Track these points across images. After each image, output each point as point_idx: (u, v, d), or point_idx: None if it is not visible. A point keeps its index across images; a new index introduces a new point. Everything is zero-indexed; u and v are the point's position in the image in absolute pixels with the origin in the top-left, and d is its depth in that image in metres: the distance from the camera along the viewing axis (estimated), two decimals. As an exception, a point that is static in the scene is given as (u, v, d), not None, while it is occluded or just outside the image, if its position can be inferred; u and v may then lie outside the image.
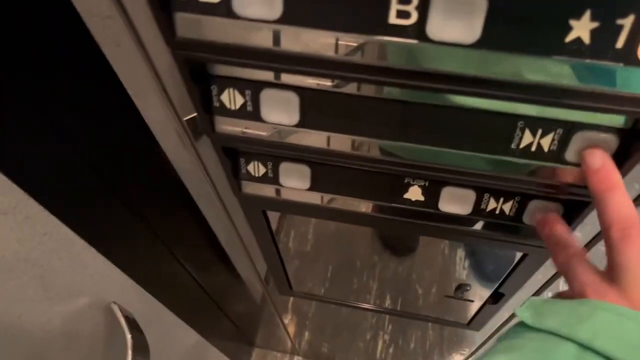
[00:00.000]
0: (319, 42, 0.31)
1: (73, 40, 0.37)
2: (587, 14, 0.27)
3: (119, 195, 0.53)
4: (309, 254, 0.84)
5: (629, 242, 0.30)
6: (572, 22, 0.27)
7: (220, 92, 0.39)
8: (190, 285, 0.82)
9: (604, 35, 0.27)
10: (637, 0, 0.26)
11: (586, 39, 0.28)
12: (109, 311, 0.57)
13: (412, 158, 0.40)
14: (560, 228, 0.40)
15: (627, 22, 0.27)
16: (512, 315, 0.74)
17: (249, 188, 0.50)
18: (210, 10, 0.31)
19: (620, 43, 0.27)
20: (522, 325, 0.32)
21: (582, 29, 0.27)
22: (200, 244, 0.78)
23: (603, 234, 0.32)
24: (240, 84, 0.38)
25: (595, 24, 0.27)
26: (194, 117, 0.43)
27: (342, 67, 0.32)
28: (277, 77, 0.37)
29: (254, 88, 0.38)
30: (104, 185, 0.50)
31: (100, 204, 0.51)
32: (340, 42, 0.31)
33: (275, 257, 0.71)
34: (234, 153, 0.47)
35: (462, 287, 0.72)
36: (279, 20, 0.30)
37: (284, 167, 0.47)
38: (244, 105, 0.39)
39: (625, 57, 0.28)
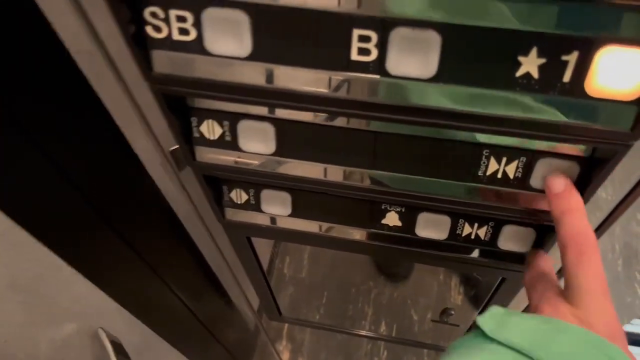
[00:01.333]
0: (287, 77, 0.33)
1: (62, 73, 0.39)
2: (534, 51, 0.28)
3: (108, 222, 0.54)
4: (304, 280, 0.85)
5: (583, 262, 0.31)
6: (521, 59, 0.29)
7: (200, 123, 0.40)
8: (182, 312, 0.82)
9: (551, 70, 0.29)
10: (579, 38, 0.27)
11: (535, 73, 0.29)
12: (96, 337, 0.58)
13: (387, 185, 0.42)
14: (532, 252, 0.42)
15: (572, 57, 0.28)
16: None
17: (233, 215, 0.52)
18: (184, 47, 0.32)
19: (567, 77, 0.29)
20: (479, 335, 0.32)
21: (530, 64, 0.29)
22: (191, 270, 0.79)
23: (560, 255, 0.33)
24: (218, 115, 0.40)
25: (542, 60, 0.29)
26: (176, 148, 0.44)
27: (311, 100, 0.34)
28: (254, 108, 0.39)
29: (232, 119, 0.40)
30: (93, 212, 0.52)
31: (88, 230, 0.53)
32: (307, 77, 0.33)
33: (263, 283, 0.72)
34: (217, 181, 0.48)
35: (446, 312, 0.72)
36: (249, 57, 0.32)
37: (266, 194, 0.48)
38: (222, 136, 0.41)
39: (573, 90, 0.29)
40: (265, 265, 0.72)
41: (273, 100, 0.34)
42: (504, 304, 0.57)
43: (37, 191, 0.44)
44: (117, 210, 0.56)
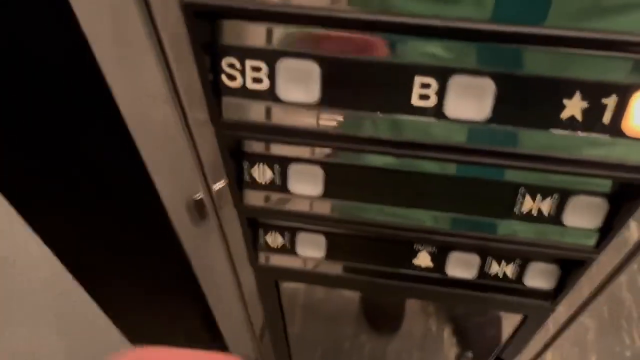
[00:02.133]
0: (350, 121, 0.36)
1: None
2: (578, 95, 0.32)
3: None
4: (297, 335, 0.84)
5: None
6: (566, 102, 0.33)
7: (251, 166, 0.43)
8: None
9: (593, 112, 0.33)
10: (617, 83, 0.31)
11: (578, 115, 0.33)
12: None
13: (425, 224, 0.44)
14: None
15: (611, 101, 0.32)
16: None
17: (266, 259, 0.53)
18: (256, 95, 0.35)
19: (606, 119, 0.33)
20: None
21: (574, 107, 0.33)
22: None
23: None
24: (269, 159, 0.42)
25: (584, 103, 0.32)
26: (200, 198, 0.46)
27: (370, 142, 0.37)
28: (304, 152, 0.41)
29: (282, 162, 0.42)
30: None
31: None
32: (369, 121, 0.36)
33: (281, 335, 0.72)
34: (254, 225, 0.50)
35: (463, 356, 0.74)
36: (317, 104, 0.35)
37: (301, 237, 0.50)
38: (272, 179, 0.43)
39: (611, 130, 0.33)
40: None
41: (334, 143, 0.37)
42: (526, 341, 0.59)
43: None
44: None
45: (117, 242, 0.55)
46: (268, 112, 0.36)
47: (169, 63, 0.34)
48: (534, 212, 0.42)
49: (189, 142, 0.40)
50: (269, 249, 0.52)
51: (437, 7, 0.30)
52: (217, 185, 0.47)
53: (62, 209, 0.46)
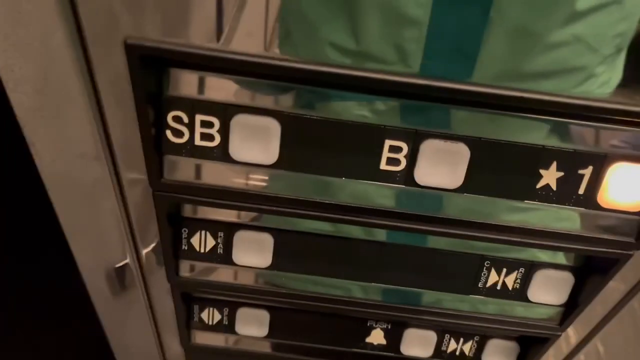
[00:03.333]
0: (310, 186, 0.32)
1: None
2: (554, 165, 0.30)
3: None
4: None
5: None
6: (542, 171, 0.31)
7: (191, 235, 0.38)
8: None
9: (569, 182, 0.31)
10: (594, 153, 0.30)
11: (554, 185, 0.31)
12: None
13: (380, 299, 0.41)
14: None
15: (587, 172, 0.31)
16: None
17: (200, 338, 0.47)
18: (204, 153, 0.31)
19: (582, 189, 0.31)
20: None
21: (550, 177, 0.31)
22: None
23: None
24: (212, 226, 0.37)
25: (560, 173, 0.31)
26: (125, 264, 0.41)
27: (330, 209, 0.33)
28: (255, 218, 0.37)
29: (227, 230, 0.37)
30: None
31: None
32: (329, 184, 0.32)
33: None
34: (188, 300, 0.44)
35: None
36: (274, 165, 0.31)
37: (242, 312, 0.45)
38: (214, 248, 0.38)
39: (587, 202, 0.32)
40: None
41: (289, 208, 0.33)
42: None
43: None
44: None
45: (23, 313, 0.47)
46: (217, 173, 0.32)
47: (104, 114, 0.29)
48: (499, 287, 0.39)
49: (119, 204, 0.34)
50: (205, 326, 0.46)
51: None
52: (145, 251, 0.41)
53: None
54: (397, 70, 0.27)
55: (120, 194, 0.34)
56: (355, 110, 0.30)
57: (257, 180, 0.32)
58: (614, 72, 0.29)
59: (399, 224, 0.33)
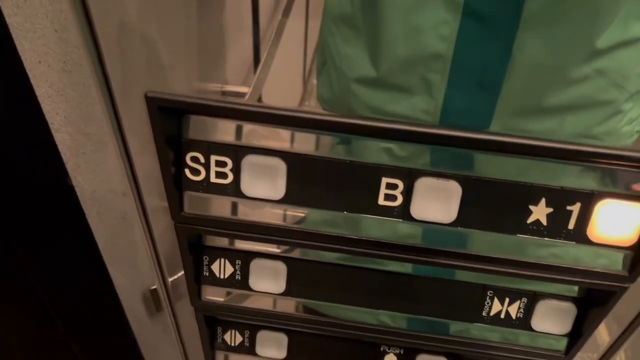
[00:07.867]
0: (315, 219, 0.35)
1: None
2: (543, 201, 0.32)
3: None
4: None
5: None
6: (532, 207, 0.33)
7: (211, 262, 0.41)
8: None
9: (558, 218, 0.33)
10: (581, 191, 0.32)
11: (544, 221, 0.33)
12: None
13: (392, 325, 0.43)
14: None
15: (575, 208, 0.32)
16: None
17: (223, 358, 0.50)
18: (219, 190, 0.34)
19: (571, 225, 0.33)
20: None
21: (539, 213, 0.33)
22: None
23: None
24: (230, 254, 0.41)
25: (550, 209, 0.32)
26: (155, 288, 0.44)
27: (335, 241, 0.36)
28: (267, 248, 0.40)
29: (244, 258, 0.40)
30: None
31: None
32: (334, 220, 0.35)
33: None
34: (212, 322, 0.47)
35: None
36: (281, 201, 0.34)
37: (262, 335, 0.48)
38: (232, 274, 0.41)
39: (576, 236, 0.33)
40: None
41: (297, 240, 0.36)
42: None
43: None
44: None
45: (69, 334, 0.51)
46: (231, 207, 0.35)
47: (130, 155, 0.33)
48: (502, 316, 0.40)
49: (145, 234, 0.38)
50: (228, 348, 0.49)
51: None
52: (173, 278, 0.45)
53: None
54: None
55: (147, 225, 0.38)
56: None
57: (268, 214, 0.35)
58: None
59: (407, 257, 0.36)
